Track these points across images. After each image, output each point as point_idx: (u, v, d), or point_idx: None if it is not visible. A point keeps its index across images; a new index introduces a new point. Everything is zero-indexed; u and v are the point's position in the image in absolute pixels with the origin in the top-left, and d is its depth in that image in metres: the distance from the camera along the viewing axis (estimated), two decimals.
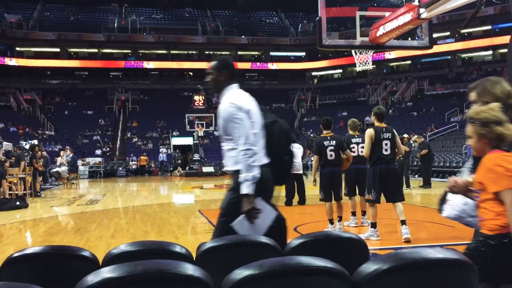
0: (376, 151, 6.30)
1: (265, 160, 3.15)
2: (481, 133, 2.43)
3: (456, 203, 2.85)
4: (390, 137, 6.35)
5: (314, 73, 46.35)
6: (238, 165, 3.04)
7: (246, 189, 2.94)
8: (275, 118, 3.43)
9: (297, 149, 11.05)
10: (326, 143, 7.06)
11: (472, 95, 3.04)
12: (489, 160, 2.34)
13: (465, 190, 2.61)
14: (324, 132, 7.26)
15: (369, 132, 6.39)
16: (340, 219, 7.29)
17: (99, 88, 40.85)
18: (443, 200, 3.01)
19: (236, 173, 3.06)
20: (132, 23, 42.82)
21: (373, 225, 6.41)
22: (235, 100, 3.12)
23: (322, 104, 41.61)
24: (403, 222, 6.21)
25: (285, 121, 3.60)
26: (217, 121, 3.20)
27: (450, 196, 2.88)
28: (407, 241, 6.10)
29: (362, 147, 7.29)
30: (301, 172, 11.32)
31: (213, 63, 3.36)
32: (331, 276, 1.46)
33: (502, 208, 2.25)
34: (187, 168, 28.48)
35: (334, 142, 7.06)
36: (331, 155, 7.03)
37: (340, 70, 45.36)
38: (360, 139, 7.50)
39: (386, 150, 6.31)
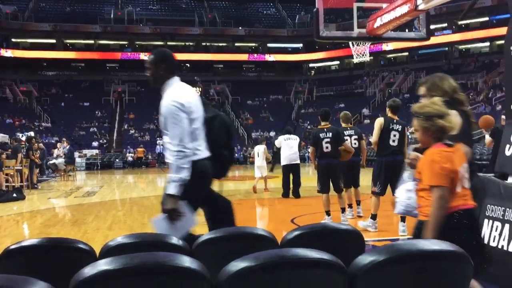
0: (384, 140, 6.22)
1: (206, 154, 3.19)
2: (425, 126, 2.60)
3: (402, 199, 3.02)
4: (399, 130, 6.27)
5: (311, 65, 46.25)
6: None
7: (172, 189, 2.98)
8: (217, 112, 3.50)
9: (294, 140, 11.06)
10: (322, 135, 7.02)
11: (422, 90, 3.22)
12: (429, 155, 2.54)
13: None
14: (322, 123, 7.21)
15: (379, 120, 6.35)
16: (343, 210, 7.23)
17: (96, 80, 40.68)
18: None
19: None
20: (129, 14, 42.55)
21: (373, 217, 6.39)
22: (178, 98, 3.11)
23: (319, 96, 41.56)
24: (402, 219, 6.13)
25: (227, 116, 3.63)
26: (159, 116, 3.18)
27: (397, 192, 3.08)
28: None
29: (355, 139, 7.45)
30: (297, 162, 11.13)
31: (150, 57, 3.30)
32: (327, 268, 1.47)
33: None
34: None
35: (330, 134, 6.99)
36: (326, 147, 6.96)
37: (338, 62, 45.27)
38: (353, 131, 7.54)
39: (393, 141, 6.23)
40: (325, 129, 7.07)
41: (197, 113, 3.19)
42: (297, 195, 10.83)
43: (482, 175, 4.62)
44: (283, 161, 11.01)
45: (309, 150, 7.58)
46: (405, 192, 3.01)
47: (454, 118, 2.82)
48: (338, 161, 7.12)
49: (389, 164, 6.19)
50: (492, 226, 3.93)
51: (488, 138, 7.46)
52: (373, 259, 1.48)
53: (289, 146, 10.95)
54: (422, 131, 2.64)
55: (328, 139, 6.96)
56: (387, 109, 6.51)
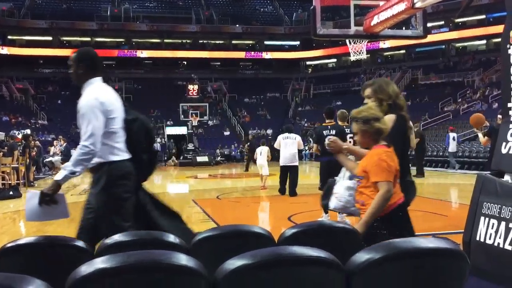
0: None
1: (126, 155, 3.18)
2: (363, 129, 2.87)
3: (342, 194, 3.13)
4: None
5: (308, 63, 46.23)
6: (97, 159, 3.05)
7: (60, 176, 2.95)
8: (137, 115, 3.44)
9: (292, 139, 10.56)
10: (325, 132, 7.10)
11: (368, 91, 3.37)
12: (376, 155, 2.81)
13: (339, 151, 3.24)
14: (327, 121, 7.30)
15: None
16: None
17: None
18: (327, 194, 3.30)
19: (98, 166, 3.08)
20: (125, 12, 42.42)
21: None
22: (97, 95, 3.10)
23: (316, 93, 41.57)
24: None
25: (147, 120, 3.63)
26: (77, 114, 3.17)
27: (336, 188, 3.20)
28: None
29: (351, 137, 7.19)
30: (294, 164, 10.54)
31: (72, 54, 3.28)
32: (324, 266, 1.48)
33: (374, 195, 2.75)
34: (181, 157, 28.45)
35: (333, 131, 7.04)
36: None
37: (335, 60, 45.26)
38: (349, 129, 7.40)
39: None
40: (328, 127, 7.18)
41: (117, 114, 3.17)
42: (293, 193, 10.59)
43: (478, 173, 4.62)
44: (280, 161, 10.71)
45: (313, 147, 7.63)
46: (346, 189, 3.13)
47: (388, 122, 3.07)
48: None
49: None
50: (488, 224, 3.94)
51: (481, 136, 7.48)
52: (370, 257, 1.48)
53: (286, 146, 10.45)
54: (361, 133, 2.90)
55: (332, 136, 6.94)
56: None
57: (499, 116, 6.82)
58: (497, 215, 3.86)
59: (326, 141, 3.23)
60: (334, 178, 3.45)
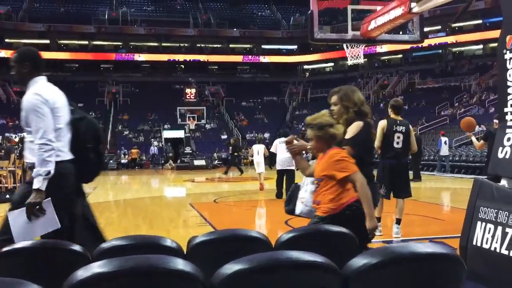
0: (387, 143, 6.10)
1: (68, 156, 3.13)
2: (318, 135, 3.01)
3: (308, 199, 3.19)
4: (403, 131, 6.11)
5: (306, 67, 46.32)
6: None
7: (37, 183, 2.90)
8: (84, 114, 3.41)
9: (283, 144, 10.78)
10: None
11: (334, 98, 3.46)
12: (335, 155, 2.97)
13: (299, 152, 3.34)
14: None
15: (382, 122, 6.22)
16: None
17: (90, 81, 40.55)
18: (291, 199, 3.36)
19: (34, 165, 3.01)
20: (123, 15, 42.45)
21: (377, 220, 6.17)
22: (41, 92, 3.09)
23: (313, 97, 41.62)
24: (397, 221, 6.14)
25: (94, 119, 3.60)
26: (21, 112, 3.11)
27: (301, 193, 3.26)
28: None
29: None
30: (291, 168, 10.62)
31: (14, 54, 3.26)
32: (320, 270, 1.48)
33: (337, 194, 2.93)
34: (178, 161, 28.43)
35: None
36: None
37: (332, 64, 45.37)
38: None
39: (397, 143, 6.08)
40: None
41: (62, 112, 3.15)
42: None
43: (475, 177, 4.63)
44: (278, 165, 10.98)
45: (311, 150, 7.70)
46: (311, 193, 3.18)
47: (356, 128, 3.21)
48: None
49: (393, 167, 6.10)
50: (485, 228, 3.95)
51: (475, 141, 7.50)
52: (367, 262, 1.49)
53: (282, 150, 10.52)
54: (316, 139, 3.04)
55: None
56: (389, 110, 6.42)
57: (495, 120, 6.78)
58: (493, 219, 3.87)
59: (284, 141, 3.39)
60: (297, 183, 3.50)
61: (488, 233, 3.89)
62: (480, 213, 4.05)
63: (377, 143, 6.15)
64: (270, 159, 14.48)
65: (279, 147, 10.83)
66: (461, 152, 19.97)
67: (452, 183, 15.28)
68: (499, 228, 3.78)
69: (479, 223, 4.03)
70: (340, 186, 2.94)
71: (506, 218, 3.74)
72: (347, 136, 3.31)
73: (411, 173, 15.78)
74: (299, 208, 3.26)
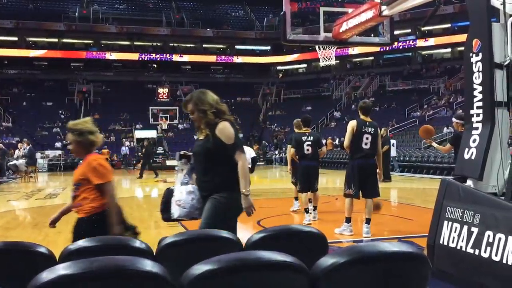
0: (356, 143, 6.23)
1: None
2: (78, 140, 3.18)
3: (186, 200, 3.28)
4: (372, 132, 6.26)
5: (279, 68, 46.51)
6: None
7: None
8: None
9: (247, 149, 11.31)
10: (304, 138, 7.58)
11: (189, 107, 3.47)
12: (93, 161, 3.13)
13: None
14: (304, 129, 7.80)
15: (352, 122, 6.34)
16: (315, 208, 7.76)
17: (60, 79, 39.71)
18: (167, 206, 3.41)
19: None
20: (94, 13, 41.71)
21: (348, 220, 6.43)
22: None
23: (286, 98, 41.82)
24: (367, 221, 6.27)
25: None
26: None
27: (177, 196, 3.31)
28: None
29: (308, 145, 7.54)
30: (249, 166, 11.49)
31: None
32: (289, 270, 1.48)
33: (96, 195, 3.13)
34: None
35: (311, 138, 7.62)
36: (307, 150, 7.52)
37: (305, 65, 45.69)
38: (311, 137, 7.68)
39: (366, 144, 6.22)
40: (306, 133, 7.67)
41: None
42: None
43: (442, 177, 4.74)
44: None
45: (289, 151, 8.11)
46: (188, 194, 3.27)
47: (229, 129, 3.28)
48: (317, 163, 7.86)
49: (362, 167, 6.23)
50: (451, 228, 4.04)
51: (438, 146, 7.42)
52: (335, 261, 1.50)
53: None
54: (75, 144, 3.20)
55: (310, 142, 7.55)
56: (359, 111, 6.53)
57: (454, 119, 6.84)
58: (459, 219, 3.97)
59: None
60: (170, 188, 3.52)
61: (455, 232, 3.99)
62: (447, 212, 4.14)
63: (346, 143, 6.35)
64: None
65: None
66: (429, 153, 20.40)
67: (421, 184, 15.58)
68: (465, 227, 3.88)
69: (445, 222, 4.12)
70: (97, 190, 3.14)
71: (472, 217, 3.84)
72: (227, 141, 3.29)
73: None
74: (177, 211, 3.30)
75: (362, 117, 6.40)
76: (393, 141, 18.98)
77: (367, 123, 6.32)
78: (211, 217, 3.22)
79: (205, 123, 3.38)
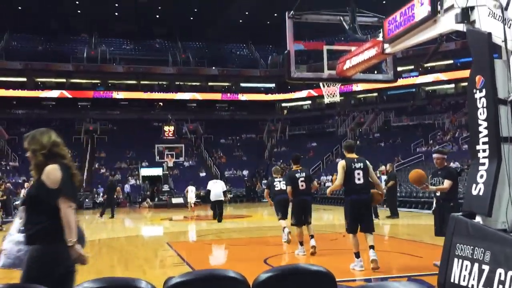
0: (349, 180, 6.47)
1: None
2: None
3: (11, 251, 3.14)
4: (362, 167, 6.51)
5: (284, 104, 46.92)
6: None
7: None
8: None
9: (219, 183, 16.44)
10: (297, 175, 8.02)
11: (25, 144, 3.33)
12: None
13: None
14: (294, 166, 8.24)
15: (341, 163, 6.66)
16: (312, 236, 7.93)
17: (67, 118, 40.18)
18: None
19: None
20: (102, 53, 42.62)
21: (357, 255, 6.48)
22: None
23: (291, 134, 41.97)
24: (371, 247, 6.40)
25: None
26: None
27: (4, 244, 3.17)
28: (375, 265, 6.25)
29: (302, 181, 8.04)
30: (221, 199, 15.66)
31: None
32: None
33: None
34: (156, 199, 28.04)
35: (304, 174, 8.07)
36: (302, 185, 7.96)
37: (309, 102, 46.08)
38: (303, 173, 8.14)
39: (358, 179, 6.48)
40: (299, 170, 8.09)
41: None
42: (220, 220, 15.43)
43: (451, 214, 4.69)
44: (212, 198, 15.83)
45: (287, 189, 8.33)
46: (15, 244, 3.13)
47: (55, 172, 3.05)
48: (311, 198, 8.29)
49: (356, 202, 6.47)
50: (462, 266, 3.97)
51: (435, 188, 6.51)
52: None
53: (215, 187, 15.76)
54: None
55: (303, 178, 8.02)
56: (344, 151, 6.90)
57: (435, 155, 6.79)
58: (470, 256, 3.90)
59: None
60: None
61: (465, 270, 3.91)
62: (456, 250, 4.08)
63: (339, 182, 6.60)
64: (206, 194, 17.98)
65: (213, 184, 16.04)
66: None
67: (429, 219, 15.38)
68: (476, 265, 3.81)
69: (456, 260, 4.05)
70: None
71: (482, 254, 3.77)
72: (51, 185, 3.06)
73: (388, 210, 15.92)
74: (1, 260, 3.17)
75: (348, 155, 6.72)
76: (384, 177, 18.70)
77: (355, 159, 6.61)
78: (25, 272, 2.95)
79: (34, 165, 3.20)
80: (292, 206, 8.25)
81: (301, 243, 7.91)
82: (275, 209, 9.60)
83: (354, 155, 6.70)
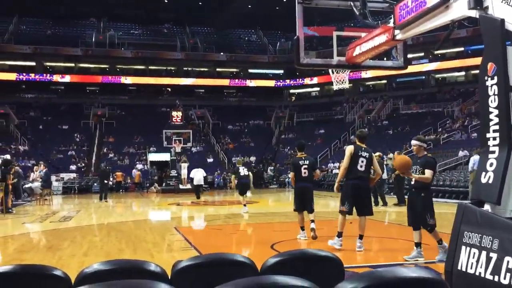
0: (353, 165, 6.87)
1: None
2: None
3: None
4: (367, 156, 6.93)
5: (292, 91, 46.73)
6: None
7: None
8: None
9: (200, 171, 20.54)
10: (301, 162, 8.25)
11: None
12: None
13: None
14: (299, 153, 8.49)
15: (349, 147, 7.09)
16: (312, 221, 8.09)
17: (75, 103, 40.33)
18: None
19: None
20: (110, 38, 42.57)
21: (339, 234, 6.95)
22: None
23: (299, 121, 41.89)
24: (360, 237, 6.82)
25: None
26: None
27: None
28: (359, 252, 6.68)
29: (305, 168, 8.25)
30: (202, 183, 20.75)
31: None
32: None
33: None
34: (163, 184, 28.19)
35: (307, 161, 8.28)
36: (304, 173, 8.20)
37: (318, 88, 45.87)
38: (307, 160, 8.35)
39: (361, 166, 6.88)
40: (303, 158, 8.31)
41: None
42: (198, 197, 20.08)
43: (459, 202, 4.66)
44: (195, 182, 20.62)
45: (290, 175, 8.78)
46: None
47: None
48: (311, 185, 8.46)
49: (356, 187, 6.87)
50: (469, 253, 3.97)
51: (418, 177, 6.22)
52: (354, 286, 1.48)
53: (198, 174, 20.33)
54: None
55: (306, 166, 8.22)
56: (356, 138, 7.30)
57: (413, 142, 6.69)
58: (478, 244, 3.89)
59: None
60: None
61: (473, 257, 3.91)
62: (464, 237, 4.07)
63: (345, 165, 6.99)
64: (191, 180, 22.55)
65: (196, 172, 20.44)
66: (444, 177, 20.16)
67: (436, 208, 15.36)
68: (484, 253, 3.80)
69: (463, 247, 4.04)
70: None
71: (490, 242, 3.76)
72: None
73: (395, 198, 15.90)
74: None
75: (358, 143, 7.13)
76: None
77: (363, 148, 7.01)
78: None
79: None
80: (294, 192, 8.59)
81: (302, 228, 8.18)
82: (237, 188, 13.75)
83: (363, 145, 7.06)
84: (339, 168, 22.33)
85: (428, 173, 6.14)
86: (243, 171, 13.57)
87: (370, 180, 7.22)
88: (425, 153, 6.54)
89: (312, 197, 8.36)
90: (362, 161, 6.89)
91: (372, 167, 7.10)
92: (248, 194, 15.70)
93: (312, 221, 8.10)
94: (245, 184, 13.53)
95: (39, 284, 1.98)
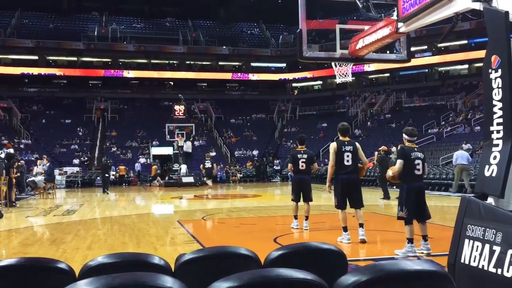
0: (339, 161, 7.00)
1: None
2: None
3: None
4: (351, 150, 7.03)
5: (294, 84, 46.65)
6: None
7: None
8: None
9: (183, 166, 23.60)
10: (299, 155, 8.54)
11: None
12: None
13: None
14: (299, 147, 8.75)
15: (332, 144, 7.18)
16: (306, 218, 8.46)
17: (78, 97, 40.38)
18: None
19: None
20: (113, 32, 42.53)
21: (345, 229, 7.02)
22: None
23: (302, 115, 41.84)
24: (360, 225, 6.91)
25: None
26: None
27: None
28: (363, 241, 6.74)
29: (303, 162, 8.51)
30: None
31: None
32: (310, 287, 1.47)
33: None
34: (166, 178, 28.25)
35: (306, 155, 8.54)
36: (302, 166, 8.48)
37: (320, 82, 45.76)
38: (306, 154, 8.61)
39: (347, 161, 6.99)
40: (302, 151, 8.59)
41: None
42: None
43: (462, 195, 4.65)
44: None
45: (288, 166, 8.96)
46: None
47: None
48: (309, 177, 8.71)
49: (345, 182, 7.00)
50: (472, 246, 3.97)
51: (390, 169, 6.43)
52: (357, 279, 1.48)
53: (184, 167, 24.65)
54: None
55: (304, 159, 8.50)
56: (338, 133, 7.34)
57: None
58: (481, 237, 3.89)
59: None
60: None
61: (476, 251, 3.91)
62: (467, 231, 4.07)
63: (331, 163, 7.11)
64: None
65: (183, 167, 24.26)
66: (447, 170, 20.13)
67: (439, 201, 15.35)
68: (487, 246, 3.80)
69: (466, 240, 4.05)
70: None
71: (493, 236, 3.76)
72: None
73: (398, 191, 15.87)
74: None
75: (341, 138, 7.19)
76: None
77: (346, 142, 7.10)
78: None
79: None
80: (291, 184, 8.93)
81: (295, 217, 8.59)
82: (204, 175, 16.52)
83: (346, 138, 7.18)
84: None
85: (397, 164, 6.19)
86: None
87: (360, 171, 7.24)
88: (406, 144, 6.35)
89: (309, 188, 8.61)
90: (348, 155, 7.00)
91: (359, 157, 7.18)
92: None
93: (306, 217, 8.44)
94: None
95: (44, 277, 1.99)
